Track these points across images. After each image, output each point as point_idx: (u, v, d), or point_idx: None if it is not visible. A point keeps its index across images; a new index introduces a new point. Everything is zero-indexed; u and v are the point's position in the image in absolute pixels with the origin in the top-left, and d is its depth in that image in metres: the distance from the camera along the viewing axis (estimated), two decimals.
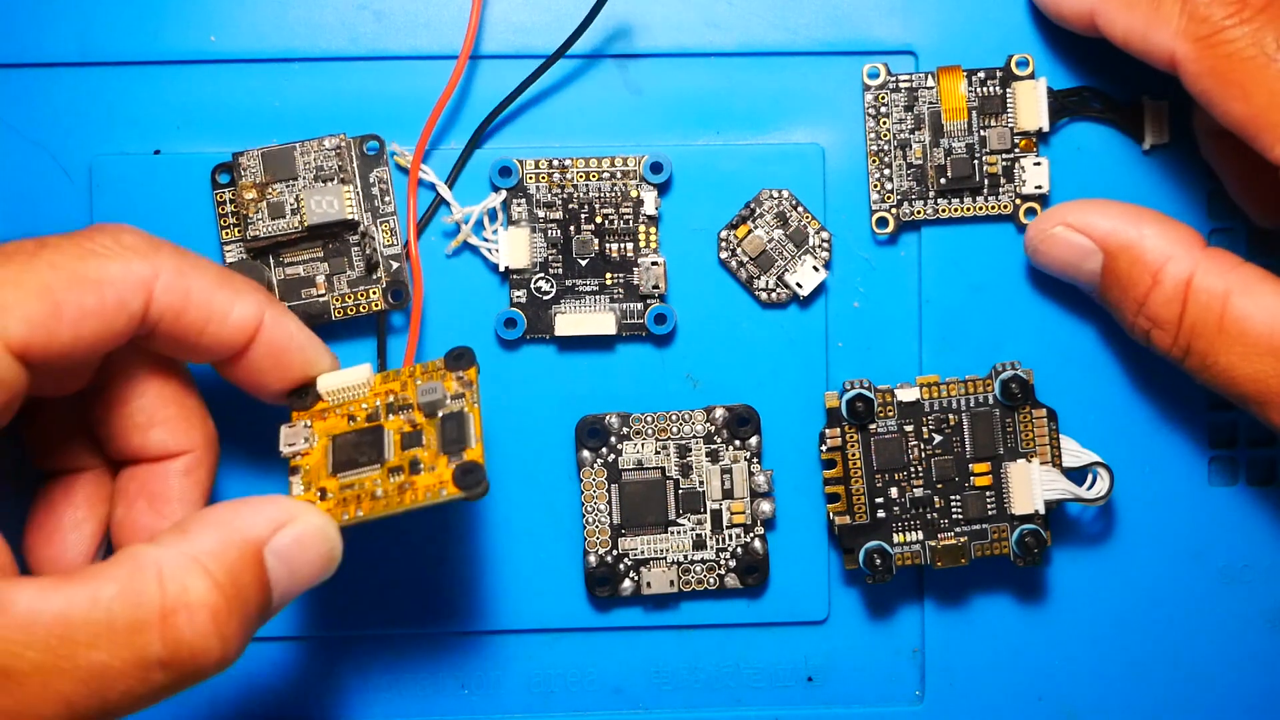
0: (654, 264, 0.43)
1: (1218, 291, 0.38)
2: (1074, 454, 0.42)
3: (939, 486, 0.42)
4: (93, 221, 0.42)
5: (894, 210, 0.43)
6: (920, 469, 0.42)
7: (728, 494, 0.43)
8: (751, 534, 0.43)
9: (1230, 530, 0.44)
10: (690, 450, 0.43)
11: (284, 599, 0.34)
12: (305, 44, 0.43)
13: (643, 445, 0.43)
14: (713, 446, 0.43)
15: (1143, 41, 0.39)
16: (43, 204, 0.43)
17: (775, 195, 0.43)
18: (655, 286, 0.43)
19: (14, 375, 0.31)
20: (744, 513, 0.43)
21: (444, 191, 0.42)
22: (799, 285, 0.43)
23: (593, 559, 0.43)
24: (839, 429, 0.42)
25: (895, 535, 0.43)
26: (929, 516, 0.43)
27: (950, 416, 0.42)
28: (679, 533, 0.43)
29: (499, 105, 0.42)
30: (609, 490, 0.43)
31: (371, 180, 0.42)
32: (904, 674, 0.45)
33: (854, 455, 0.42)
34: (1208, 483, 0.44)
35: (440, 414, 0.37)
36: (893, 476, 0.42)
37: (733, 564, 0.43)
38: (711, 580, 0.43)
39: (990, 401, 0.42)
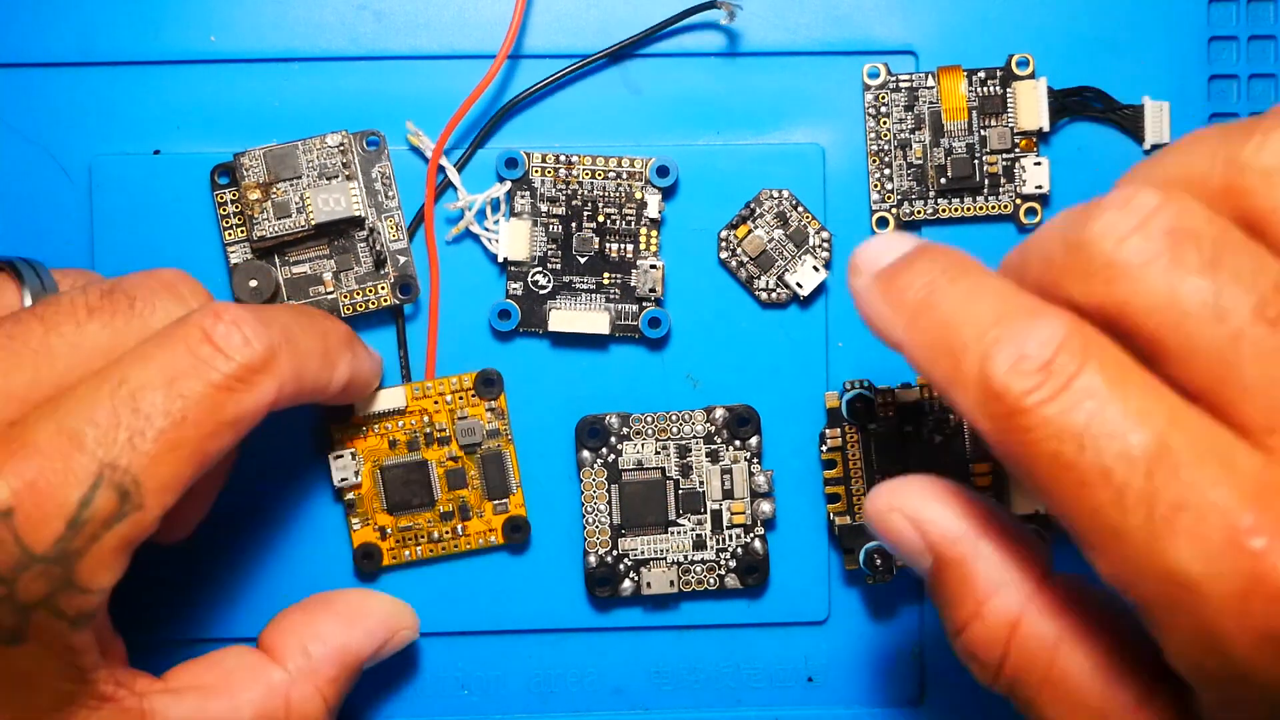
0: (653, 267, 0.43)
1: (1048, 640, 0.31)
2: None
3: None
4: (93, 222, 0.42)
5: (894, 210, 0.43)
6: (920, 469, 0.42)
7: (728, 494, 0.43)
8: (751, 534, 0.43)
9: None
10: (690, 450, 0.43)
11: None
12: (305, 44, 0.43)
13: (643, 445, 0.43)
14: (713, 446, 0.43)
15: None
16: (43, 204, 0.43)
17: (775, 195, 0.43)
18: (652, 290, 0.43)
19: (153, 525, 0.33)
20: (744, 513, 0.43)
21: (453, 176, 0.42)
22: (799, 285, 0.43)
23: (593, 559, 0.43)
24: (839, 429, 0.42)
25: None
26: None
27: (950, 417, 0.43)
28: (679, 533, 0.43)
29: (506, 105, 0.43)
30: (609, 490, 0.43)
31: (374, 175, 0.42)
32: (904, 675, 0.45)
33: (854, 455, 0.42)
34: None
35: (479, 454, 0.42)
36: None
37: (733, 564, 0.43)
38: (711, 580, 0.43)
39: None
